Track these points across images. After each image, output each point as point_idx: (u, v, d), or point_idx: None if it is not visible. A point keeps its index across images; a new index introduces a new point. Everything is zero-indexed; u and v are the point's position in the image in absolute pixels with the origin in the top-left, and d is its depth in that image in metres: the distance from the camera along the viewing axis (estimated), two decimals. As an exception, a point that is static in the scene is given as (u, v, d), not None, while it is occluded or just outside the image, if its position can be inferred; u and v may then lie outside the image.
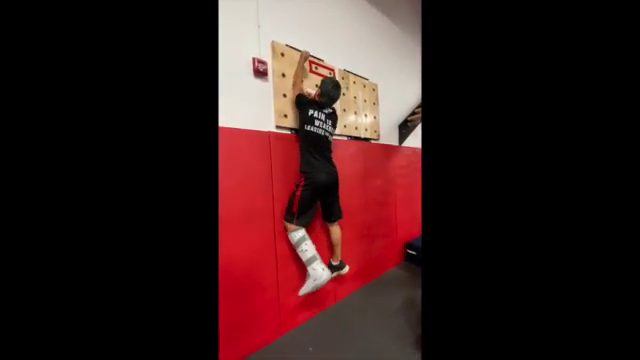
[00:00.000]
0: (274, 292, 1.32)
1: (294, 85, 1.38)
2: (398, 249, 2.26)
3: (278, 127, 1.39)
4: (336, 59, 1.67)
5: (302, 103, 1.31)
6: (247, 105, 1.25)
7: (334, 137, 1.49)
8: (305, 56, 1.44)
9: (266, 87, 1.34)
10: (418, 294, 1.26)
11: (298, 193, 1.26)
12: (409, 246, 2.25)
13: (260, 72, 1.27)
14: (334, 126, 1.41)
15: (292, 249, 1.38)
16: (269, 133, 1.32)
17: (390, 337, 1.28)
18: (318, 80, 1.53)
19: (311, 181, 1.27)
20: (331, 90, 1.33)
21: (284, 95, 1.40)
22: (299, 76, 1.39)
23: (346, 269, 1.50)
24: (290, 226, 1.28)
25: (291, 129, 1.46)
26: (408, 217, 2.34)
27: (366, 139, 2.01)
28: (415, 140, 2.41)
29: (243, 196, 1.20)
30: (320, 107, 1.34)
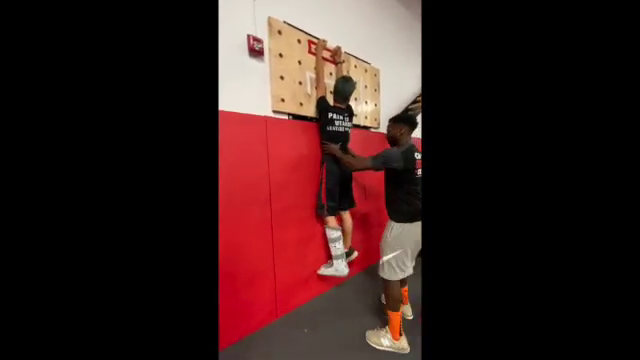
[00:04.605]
0: (271, 276, 1.32)
1: (318, 83, 1.43)
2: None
3: (275, 112, 1.32)
4: (337, 40, 1.57)
5: (323, 107, 1.39)
6: (241, 87, 1.17)
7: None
8: (322, 45, 1.44)
9: (262, 68, 1.26)
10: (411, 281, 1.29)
11: (323, 186, 1.41)
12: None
13: (256, 51, 1.19)
14: (351, 119, 1.51)
15: (288, 235, 1.39)
16: (266, 118, 1.26)
17: (380, 320, 1.32)
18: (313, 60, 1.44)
19: (331, 171, 1.40)
20: (343, 87, 1.40)
21: (281, 77, 1.32)
22: (321, 74, 1.42)
23: (355, 254, 1.64)
24: (330, 220, 1.44)
25: (289, 114, 1.40)
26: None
27: (365, 127, 1.96)
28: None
29: (239, 183, 1.16)
30: (339, 107, 1.43)
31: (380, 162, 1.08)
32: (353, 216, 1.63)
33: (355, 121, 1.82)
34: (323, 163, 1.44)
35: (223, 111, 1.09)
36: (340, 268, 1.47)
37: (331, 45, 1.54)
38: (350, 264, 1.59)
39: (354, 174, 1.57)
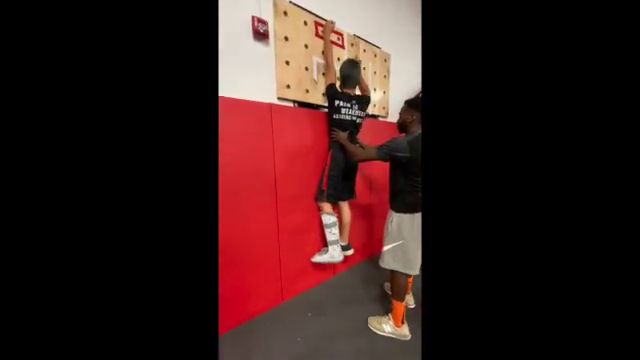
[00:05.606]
0: (276, 263, 1.35)
1: (327, 69, 1.37)
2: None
3: (280, 99, 1.29)
4: (346, 22, 1.49)
5: (331, 95, 1.34)
6: (245, 72, 1.14)
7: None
8: (331, 28, 1.37)
9: (267, 52, 1.21)
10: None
11: (326, 172, 1.39)
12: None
13: (260, 34, 1.14)
14: (363, 109, 1.42)
15: (294, 223, 1.40)
16: (270, 105, 1.23)
17: (383, 307, 1.34)
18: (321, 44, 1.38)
19: (336, 159, 1.38)
20: (350, 71, 1.33)
21: (287, 62, 1.28)
22: (330, 59, 1.35)
23: (351, 251, 1.61)
24: (325, 207, 1.42)
25: (294, 101, 1.36)
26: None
27: (373, 116, 1.90)
28: (425, 118, 2.27)
29: (243, 169, 1.16)
30: (347, 94, 1.36)
31: (385, 152, 1.05)
32: (356, 207, 1.62)
33: (363, 109, 1.78)
34: (330, 150, 1.42)
35: (225, 97, 1.07)
36: (335, 254, 1.46)
37: (339, 27, 1.47)
38: (351, 256, 1.59)
39: (361, 165, 1.53)
